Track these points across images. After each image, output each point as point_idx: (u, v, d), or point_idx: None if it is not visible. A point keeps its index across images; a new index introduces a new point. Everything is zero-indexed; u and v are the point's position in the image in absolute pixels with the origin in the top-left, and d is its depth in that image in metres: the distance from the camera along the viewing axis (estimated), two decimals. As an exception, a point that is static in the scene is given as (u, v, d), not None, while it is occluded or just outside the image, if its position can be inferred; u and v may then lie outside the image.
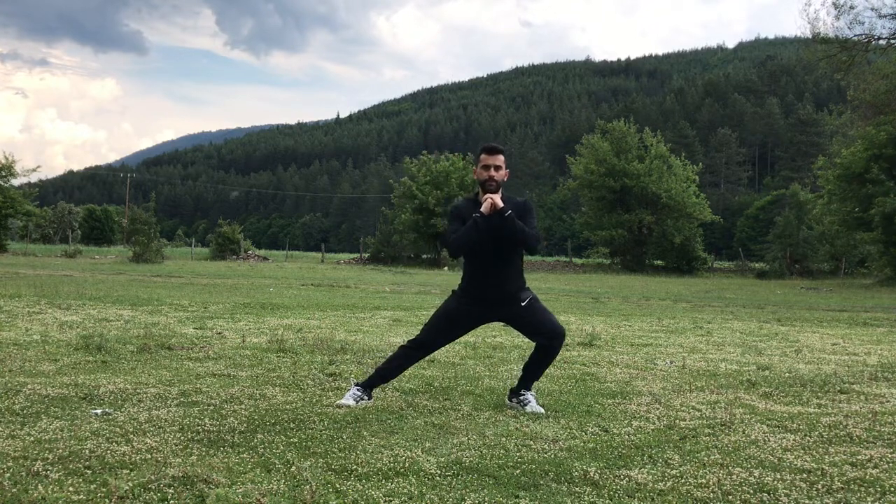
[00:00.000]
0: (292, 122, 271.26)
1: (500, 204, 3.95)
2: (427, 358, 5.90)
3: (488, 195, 3.99)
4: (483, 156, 4.11)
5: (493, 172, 4.05)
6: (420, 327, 8.44)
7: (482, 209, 3.96)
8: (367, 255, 40.64)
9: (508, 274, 4.08)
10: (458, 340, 7.07)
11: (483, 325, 4.50)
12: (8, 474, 2.64)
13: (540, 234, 4.11)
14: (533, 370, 4.19)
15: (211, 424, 3.49)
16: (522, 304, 4.10)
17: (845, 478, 2.91)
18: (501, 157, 4.09)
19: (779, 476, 2.91)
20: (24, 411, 3.65)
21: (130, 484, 2.56)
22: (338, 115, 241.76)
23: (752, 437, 3.56)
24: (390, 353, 4.41)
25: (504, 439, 3.40)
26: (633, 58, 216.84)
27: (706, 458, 3.16)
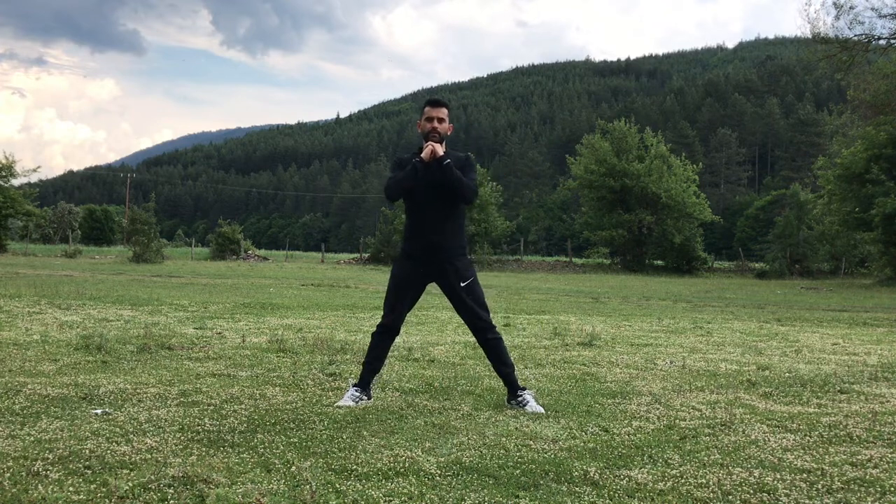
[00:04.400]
0: (292, 121, 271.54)
1: (440, 151, 4.02)
2: (427, 357, 5.93)
3: (429, 143, 4.07)
4: (427, 108, 4.20)
5: (436, 124, 4.13)
6: (419, 326, 8.45)
7: (422, 155, 4.05)
8: (367, 255, 40.63)
9: (445, 228, 4.13)
10: (457, 340, 7.10)
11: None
12: (8, 474, 2.64)
13: (476, 187, 4.16)
14: (500, 369, 4.22)
15: (211, 424, 3.49)
16: (462, 284, 4.14)
17: (845, 478, 2.91)
18: (445, 110, 4.18)
19: (779, 476, 2.91)
20: (24, 411, 3.65)
21: (130, 484, 2.56)
22: (338, 115, 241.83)
23: (752, 437, 3.56)
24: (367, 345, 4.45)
25: (504, 439, 3.40)
26: (632, 58, 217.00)
27: (706, 458, 3.16)
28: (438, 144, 4.08)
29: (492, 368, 4.39)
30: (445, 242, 4.14)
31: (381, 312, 4.38)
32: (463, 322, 4.36)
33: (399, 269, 4.25)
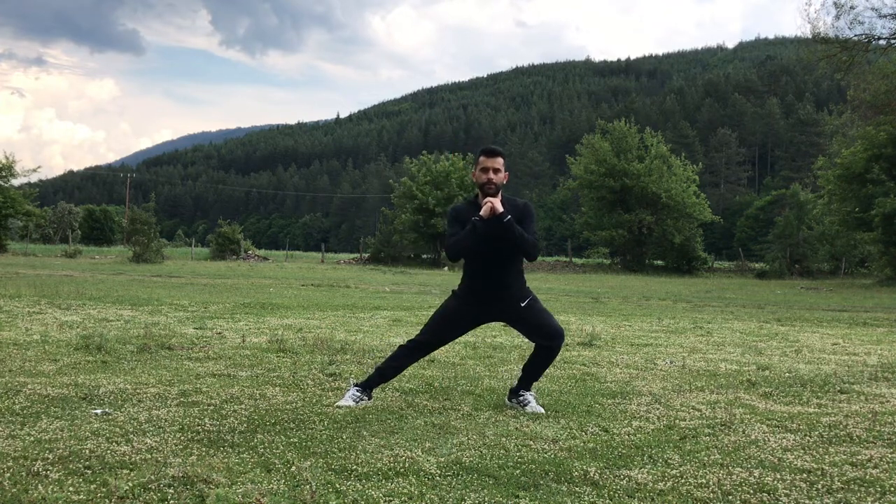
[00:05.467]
0: (292, 122, 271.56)
1: (500, 209, 3.89)
2: (427, 358, 5.90)
3: (488, 199, 3.94)
4: (482, 158, 4.06)
5: (492, 175, 4.00)
6: (420, 328, 8.43)
7: (481, 213, 3.92)
8: (367, 255, 40.64)
9: (508, 276, 4.06)
10: (458, 340, 7.09)
11: (483, 325, 4.51)
12: (8, 474, 2.64)
13: (538, 241, 4.09)
14: (533, 371, 4.19)
15: (211, 424, 3.49)
16: (522, 304, 4.09)
17: (845, 478, 2.91)
18: (501, 160, 4.04)
19: (779, 476, 2.91)
20: (24, 411, 3.65)
21: (130, 484, 2.56)
22: (338, 116, 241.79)
23: (752, 437, 3.56)
24: (390, 353, 4.41)
25: (504, 439, 3.40)
26: (632, 58, 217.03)
27: (706, 458, 3.16)
28: (496, 199, 3.95)
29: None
30: (506, 289, 4.08)
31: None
32: (533, 343, 4.21)
33: (455, 304, 4.16)
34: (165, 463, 2.83)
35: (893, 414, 4.16)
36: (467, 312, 4.14)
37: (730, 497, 2.66)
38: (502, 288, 4.06)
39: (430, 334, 4.18)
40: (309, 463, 2.90)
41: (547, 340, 4.10)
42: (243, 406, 3.95)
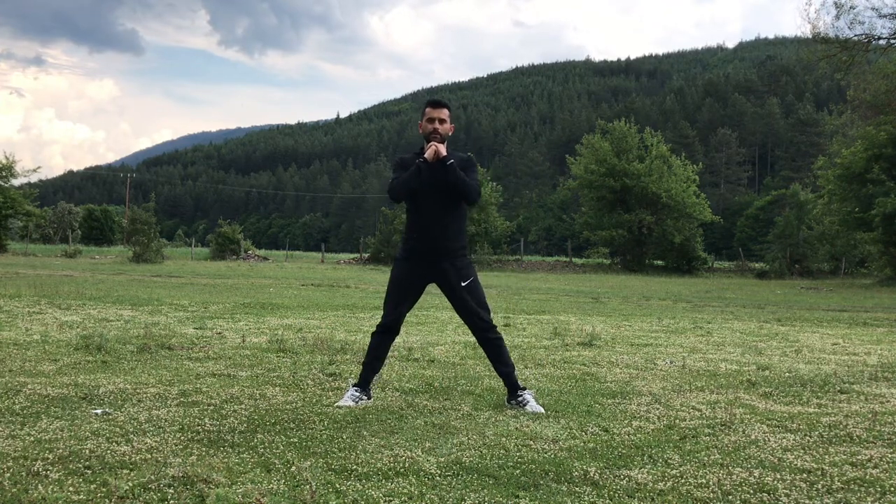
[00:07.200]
0: (292, 122, 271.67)
1: (444, 152, 4.03)
2: (427, 358, 5.93)
3: (432, 143, 4.08)
4: (428, 109, 4.20)
5: (437, 125, 4.15)
6: (419, 327, 8.45)
7: (425, 155, 4.06)
8: (367, 255, 40.63)
9: (447, 229, 4.13)
10: (457, 340, 7.10)
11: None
12: (8, 474, 2.64)
13: (479, 187, 4.18)
14: (500, 367, 4.22)
15: (211, 424, 3.49)
16: (463, 283, 4.14)
17: (845, 478, 2.91)
18: (446, 111, 4.19)
19: (779, 476, 2.91)
20: (24, 411, 3.65)
21: (130, 484, 2.56)
22: (338, 115, 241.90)
23: (752, 437, 3.56)
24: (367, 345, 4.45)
25: (504, 439, 3.40)
26: (632, 58, 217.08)
27: (706, 458, 3.16)
28: (441, 145, 4.09)
29: (492, 368, 4.40)
30: (447, 243, 4.14)
31: (381, 312, 4.37)
32: (463, 322, 4.35)
33: (399, 269, 4.24)
34: (165, 463, 2.83)
35: (893, 414, 4.16)
36: (411, 273, 4.20)
37: (730, 497, 2.66)
38: (441, 240, 4.12)
39: (390, 313, 4.24)
40: (309, 463, 2.90)
41: (480, 332, 4.19)
42: (243, 406, 3.95)
